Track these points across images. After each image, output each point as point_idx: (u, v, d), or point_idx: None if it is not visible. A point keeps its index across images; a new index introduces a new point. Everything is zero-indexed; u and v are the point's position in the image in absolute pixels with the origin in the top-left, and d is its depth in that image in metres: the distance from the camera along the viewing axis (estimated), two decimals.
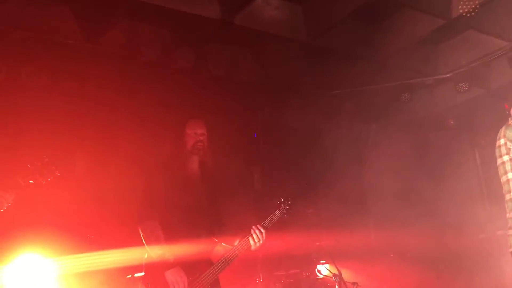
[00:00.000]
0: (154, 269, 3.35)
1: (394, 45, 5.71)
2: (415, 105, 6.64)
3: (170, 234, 3.36)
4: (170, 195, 3.44)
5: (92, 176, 4.85)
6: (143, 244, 3.39)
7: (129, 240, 3.61)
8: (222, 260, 3.41)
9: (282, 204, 3.57)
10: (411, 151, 6.66)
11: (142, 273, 3.55)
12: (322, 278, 5.35)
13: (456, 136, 6.66)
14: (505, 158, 3.15)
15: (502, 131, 3.17)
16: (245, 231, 3.45)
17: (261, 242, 3.43)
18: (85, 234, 4.50)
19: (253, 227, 3.43)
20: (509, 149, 3.11)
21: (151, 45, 5.00)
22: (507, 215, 3.16)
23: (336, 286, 4.80)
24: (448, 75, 6.24)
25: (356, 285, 4.91)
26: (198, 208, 3.51)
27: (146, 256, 3.45)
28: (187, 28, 5.01)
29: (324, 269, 5.43)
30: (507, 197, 3.16)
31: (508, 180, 3.15)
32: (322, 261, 5.58)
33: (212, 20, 4.88)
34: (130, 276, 4.30)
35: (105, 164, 4.95)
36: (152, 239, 3.36)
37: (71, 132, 4.94)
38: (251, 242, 3.41)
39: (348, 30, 5.33)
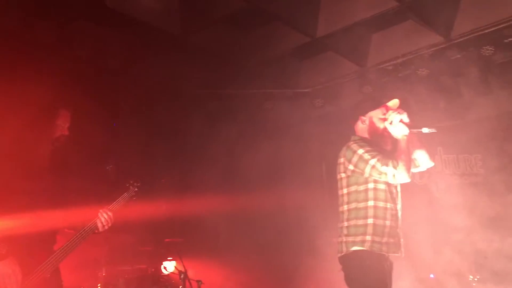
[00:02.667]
0: None
1: (262, 54, 5.96)
2: (275, 114, 6.97)
3: (6, 222, 3.09)
4: (10, 179, 3.16)
5: None
6: None
7: None
8: (63, 247, 3.23)
9: (131, 186, 3.51)
10: (267, 156, 6.97)
11: None
12: (167, 275, 5.34)
13: (308, 147, 7.13)
14: (343, 175, 3.51)
15: (343, 150, 3.51)
16: (92, 215, 3.32)
17: (109, 224, 3.33)
18: None
19: (100, 210, 3.33)
20: (346, 168, 3.45)
21: (8, 13, 4.54)
22: (340, 224, 3.52)
23: (181, 284, 4.83)
24: (306, 90, 6.69)
25: (200, 283, 5.01)
26: (42, 195, 3.28)
27: None
28: (53, 1, 4.66)
29: (170, 266, 5.42)
30: (340, 208, 3.54)
31: (342, 194, 3.52)
32: (169, 258, 5.56)
33: None
34: None
35: None
36: None
37: None
38: (98, 224, 3.30)
39: (222, 32, 5.43)
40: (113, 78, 5.76)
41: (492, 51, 5.24)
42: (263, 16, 5.33)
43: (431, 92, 6.03)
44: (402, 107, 3.55)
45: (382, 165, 3.27)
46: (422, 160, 3.59)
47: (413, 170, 3.60)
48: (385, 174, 3.26)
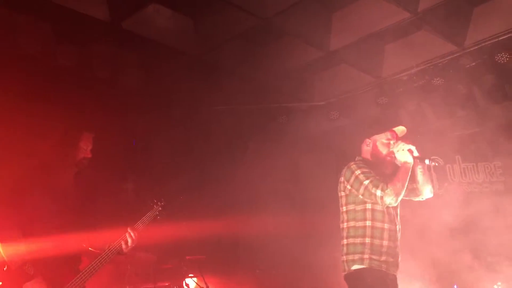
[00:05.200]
0: (13, 282, 3.12)
1: (276, 70, 6.01)
2: (290, 128, 7.01)
3: (34, 244, 3.17)
4: (38, 202, 3.24)
5: None
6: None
7: None
8: (89, 267, 3.29)
9: (155, 205, 3.57)
10: (284, 169, 7.00)
11: None
12: None
13: (324, 159, 7.13)
14: (342, 193, 3.63)
15: (344, 170, 3.63)
16: (117, 235, 3.38)
17: (133, 244, 3.39)
18: None
19: (127, 231, 3.38)
20: (345, 187, 3.57)
21: (29, 40, 4.67)
22: (341, 241, 3.59)
23: None
24: (321, 103, 6.71)
25: None
26: (68, 215, 3.35)
27: (5, 268, 3.19)
28: (72, 25, 4.78)
29: (192, 283, 5.45)
30: (341, 225, 3.63)
31: (342, 212, 3.63)
32: (190, 275, 5.59)
33: (99, 21, 4.72)
34: None
35: None
36: (12, 249, 3.14)
37: None
38: (123, 245, 3.36)
39: (236, 49, 5.49)
40: (132, 98, 5.85)
41: (507, 58, 5.22)
42: (276, 32, 5.39)
43: (447, 101, 6.02)
44: (412, 124, 3.62)
45: (373, 187, 3.39)
46: (424, 191, 3.65)
47: (415, 198, 3.73)
48: (375, 195, 3.38)
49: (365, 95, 6.45)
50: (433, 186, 3.66)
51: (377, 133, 3.69)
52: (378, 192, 3.35)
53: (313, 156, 7.18)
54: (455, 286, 5.74)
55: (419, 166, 3.58)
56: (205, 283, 4.96)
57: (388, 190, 3.34)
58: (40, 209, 3.23)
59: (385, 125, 3.73)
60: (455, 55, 5.51)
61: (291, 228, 6.69)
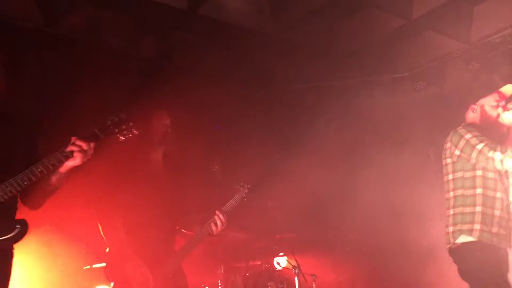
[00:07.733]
0: (115, 263, 3.33)
1: (356, 43, 5.83)
2: (374, 102, 6.78)
3: (132, 226, 3.35)
4: (132, 186, 3.42)
5: None
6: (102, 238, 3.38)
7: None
8: (184, 248, 3.45)
9: (241, 188, 3.65)
10: (370, 147, 6.82)
11: (101, 264, 3.53)
12: (281, 270, 5.42)
13: (412, 132, 6.85)
14: (448, 160, 3.41)
15: (450, 135, 3.41)
16: (207, 217, 3.50)
17: (223, 227, 3.50)
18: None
19: (215, 212, 3.49)
20: (452, 153, 3.36)
21: (114, 32, 4.89)
22: (446, 212, 3.40)
23: (296, 278, 4.90)
24: (405, 74, 6.43)
25: (314, 277, 5.03)
26: (161, 198, 3.51)
27: (107, 250, 3.41)
28: (152, 16, 4.94)
29: (283, 261, 5.50)
30: (446, 195, 3.43)
31: (448, 181, 3.42)
32: (280, 254, 5.65)
33: (176, 10, 4.83)
34: (89, 267, 4.23)
35: None
36: (113, 234, 3.34)
37: None
38: (213, 227, 3.48)
39: (313, 25, 5.39)
40: (212, 82, 5.95)
41: None
42: (354, 3, 5.21)
43: None
44: None
45: (490, 150, 3.14)
46: None
47: None
48: (492, 159, 3.13)
49: (453, 62, 6.09)
50: None
51: (483, 97, 3.46)
52: (497, 155, 3.10)
53: (401, 129, 6.90)
54: None
55: None
56: (296, 261, 4.98)
57: (509, 151, 3.09)
58: (135, 193, 3.40)
59: (491, 87, 3.49)
60: None
61: (382, 207, 6.51)
